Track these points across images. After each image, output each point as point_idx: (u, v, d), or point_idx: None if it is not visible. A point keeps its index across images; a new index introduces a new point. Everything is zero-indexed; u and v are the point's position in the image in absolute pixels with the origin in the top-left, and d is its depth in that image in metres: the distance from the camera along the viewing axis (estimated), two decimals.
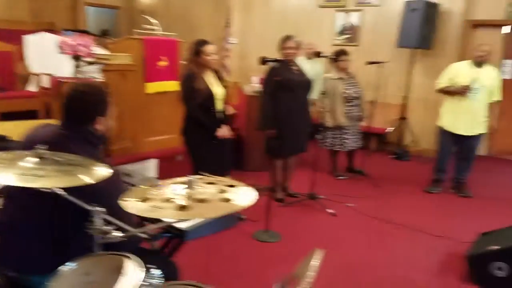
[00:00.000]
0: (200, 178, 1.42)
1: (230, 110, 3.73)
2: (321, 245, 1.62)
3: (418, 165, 5.80)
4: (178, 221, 1.80)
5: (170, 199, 1.30)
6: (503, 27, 6.00)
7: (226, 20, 5.94)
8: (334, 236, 3.61)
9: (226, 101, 3.53)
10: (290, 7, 7.48)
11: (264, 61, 3.50)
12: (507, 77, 6.25)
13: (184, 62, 3.61)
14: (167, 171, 3.96)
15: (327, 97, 4.18)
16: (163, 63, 4.36)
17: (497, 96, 4.41)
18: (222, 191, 1.34)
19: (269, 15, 7.70)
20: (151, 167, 4.19)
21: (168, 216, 1.46)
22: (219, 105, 3.41)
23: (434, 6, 5.98)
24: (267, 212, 3.44)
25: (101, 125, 1.73)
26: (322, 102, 4.54)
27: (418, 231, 3.73)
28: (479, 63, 4.33)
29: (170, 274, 1.68)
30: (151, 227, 1.67)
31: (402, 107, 6.36)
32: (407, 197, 4.64)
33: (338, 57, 4.80)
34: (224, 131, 3.42)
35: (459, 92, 4.35)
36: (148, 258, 1.36)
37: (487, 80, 4.32)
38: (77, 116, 1.68)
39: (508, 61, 6.22)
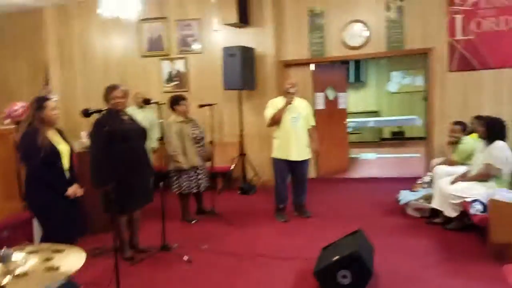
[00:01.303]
0: (19, 249, 1.21)
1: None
2: None
3: (264, 196, 6.09)
4: None
5: None
6: (311, 65, 6.88)
7: (45, 78, 5.51)
8: (193, 283, 3.49)
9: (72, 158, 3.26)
10: (113, 59, 7.37)
11: (87, 113, 3.28)
12: (321, 107, 7.14)
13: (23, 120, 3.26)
14: None
15: (176, 141, 4.15)
16: None
17: (312, 122, 5.05)
18: (47, 259, 1.16)
19: (91, 68, 7.47)
20: None
21: None
22: (66, 163, 3.17)
23: (249, 50, 6.53)
24: (115, 275, 3.15)
25: None
26: (171, 146, 4.49)
27: (272, 258, 3.86)
28: (286, 94, 4.83)
29: None
30: None
31: (239, 145, 6.69)
32: (258, 228, 4.80)
33: (177, 102, 4.86)
34: (74, 190, 3.17)
35: (285, 106, 4.77)
36: None
37: (301, 109, 4.91)
38: None
39: (319, 94, 7.10)
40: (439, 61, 6.19)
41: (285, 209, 5.09)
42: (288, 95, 4.83)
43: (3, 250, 1.13)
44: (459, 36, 6.05)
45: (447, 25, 6.09)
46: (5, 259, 1.11)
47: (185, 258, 3.90)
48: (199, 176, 4.97)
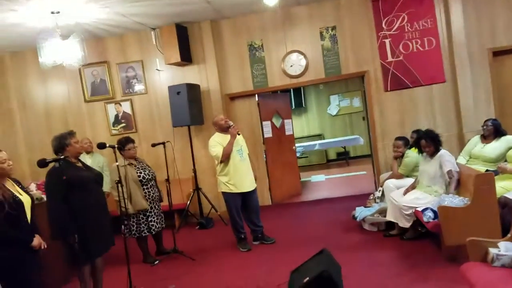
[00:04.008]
0: None
1: None
2: None
3: (223, 228, 6.10)
4: None
5: None
6: (255, 96, 7.09)
7: None
8: None
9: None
10: (54, 106, 7.19)
11: (44, 163, 3.19)
12: (269, 135, 7.34)
13: None
14: None
15: (122, 185, 4.06)
16: None
17: (247, 150, 5.21)
18: None
19: (32, 117, 7.22)
20: None
21: None
22: (28, 214, 3.05)
23: (195, 86, 6.64)
24: None
25: None
26: (117, 191, 4.36)
27: None
28: (226, 129, 4.97)
29: None
30: None
31: (193, 179, 6.68)
32: (222, 260, 4.79)
33: (124, 145, 4.79)
34: (39, 241, 3.06)
35: (234, 139, 4.89)
36: None
37: (241, 141, 5.09)
38: None
39: (266, 122, 7.31)
40: (375, 83, 6.63)
41: (246, 239, 5.13)
42: (229, 129, 4.96)
43: None
44: (390, 58, 6.54)
45: (378, 49, 6.57)
46: None
47: None
48: (150, 219, 4.86)
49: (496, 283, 2.41)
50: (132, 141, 4.91)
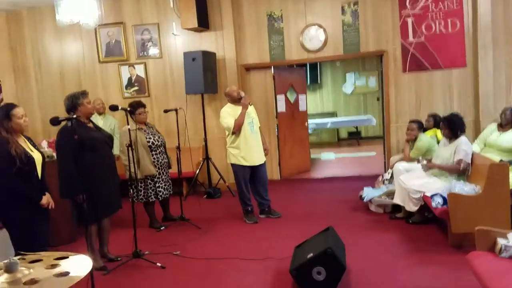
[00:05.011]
0: (20, 258, 1.18)
1: None
2: None
3: (230, 199, 6.12)
4: None
5: None
6: (271, 68, 6.98)
7: None
8: None
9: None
10: (69, 66, 7.16)
11: (56, 121, 3.20)
12: (282, 110, 7.27)
13: None
14: None
15: (131, 150, 4.06)
16: None
17: (259, 123, 5.16)
18: (53, 266, 1.15)
19: (47, 75, 7.22)
20: None
21: None
22: (39, 172, 3.09)
23: (210, 54, 6.55)
24: (91, 286, 3.08)
25: None
26: (125, 155, 4.38)
27: (245, 259, 3.90)
28: (238, 100, 4.91)
29: None
30: None
31: (204, 149, 6.68)
32: (227, 231, 4.83)
33: (135, 109, 4.76)
34: (48, 199, 3.10)
35: (245, 110, 4.83)
36: None
37: (253, 113, 5.03)
38: None
39: (280, 96, 7.23)
40: (393, 62, 6.48)
41: (253, 211, 5.15)
42: (241, 100, 4.89)
43: (8, 259, 1.10)
44: (411, 38, 6.36)
45: (400, 28, 6.39)
46: (11, 268, 1.09)
47: (158, 264, 3.86)
48: (157, 185, 4.88)
49: (502, 274, 2.39)
50: (143, 106, 4.88)
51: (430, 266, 3.51)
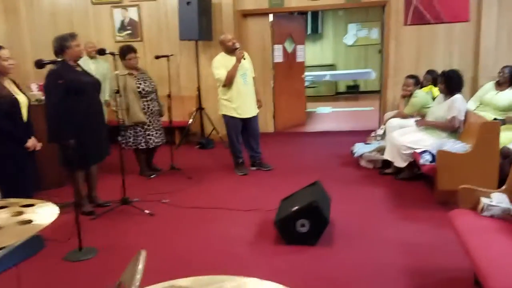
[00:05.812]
0: None
1: None
2: (143, 247, 1.53)
3: (222, 150, 6.10)
4: None
5: None
6: (270, 15, 6.75)
7: None
8: (156, 236, 3.53)
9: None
10: (61, 7, 6.91)
11: (40, 64, 3.10)
12: (279, 60, 7.11)
13: None
14: None
15: (120, 95, 3.98)
16: None
17: (253, 73, 5.02)
18: (18, 213, 1.13)
19: (39, 16, 6.98)
20: None
21: None
22: (24, 115, 3.07)
23: None
24: (76, 229, 3.12)
25: None
26: (115, 100, 4.30)
27: (232, 210, 3.94)
28: (232, 51, 4.74)
29: None
30: None
31: (197, 98, 6.59)
32: (217, 181, 4.85)
33: (125, 54, 4.63)
34: (34, 142, 3.10)
35: (238, 63, 4.67)
36: None
37: (247, 64, 4.85)
38: None
39: (277, 46, 7.04)
40: (395, 14, 6.27)
41: (244, 164, 5.15)
42: (235, 51, 4.72)
43: None
44: None
45: None
46: None
47: (147, 211, 3.90)
48: (148, 132, 4.81)
49: (481, 232, 2.41)
50: (134, 51, 4.74)
51: (415, 222, 3.56)
